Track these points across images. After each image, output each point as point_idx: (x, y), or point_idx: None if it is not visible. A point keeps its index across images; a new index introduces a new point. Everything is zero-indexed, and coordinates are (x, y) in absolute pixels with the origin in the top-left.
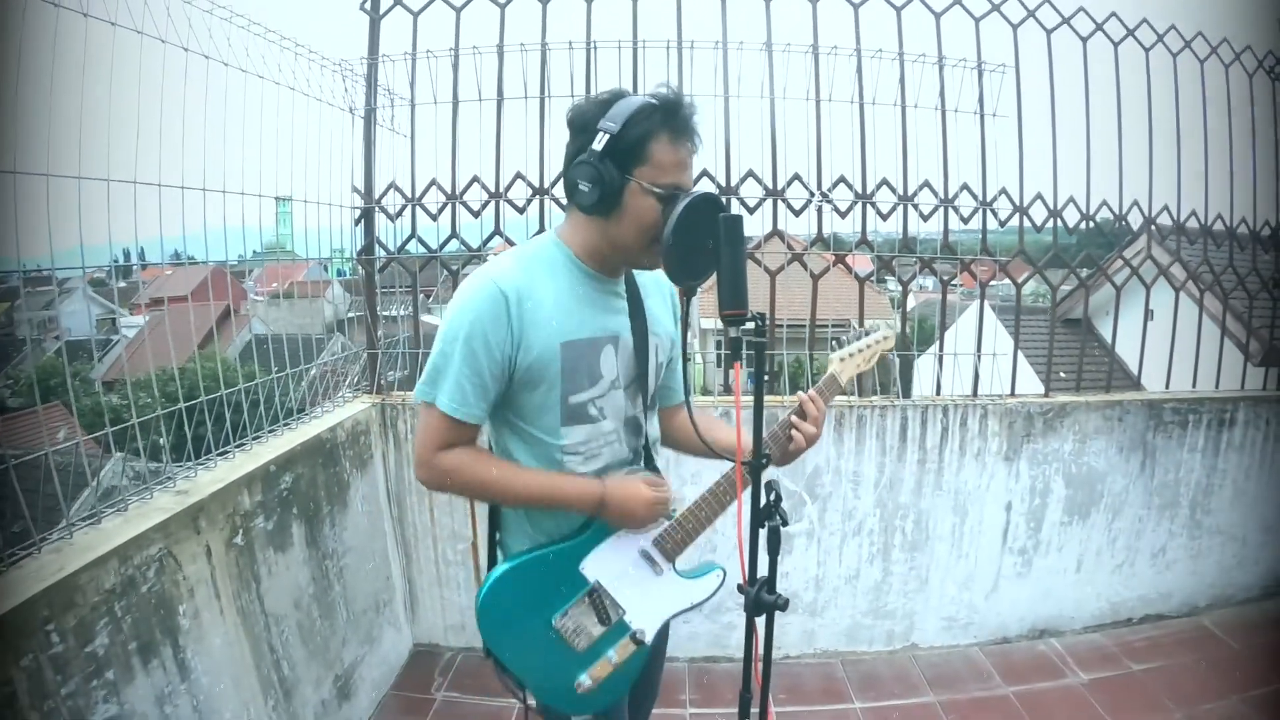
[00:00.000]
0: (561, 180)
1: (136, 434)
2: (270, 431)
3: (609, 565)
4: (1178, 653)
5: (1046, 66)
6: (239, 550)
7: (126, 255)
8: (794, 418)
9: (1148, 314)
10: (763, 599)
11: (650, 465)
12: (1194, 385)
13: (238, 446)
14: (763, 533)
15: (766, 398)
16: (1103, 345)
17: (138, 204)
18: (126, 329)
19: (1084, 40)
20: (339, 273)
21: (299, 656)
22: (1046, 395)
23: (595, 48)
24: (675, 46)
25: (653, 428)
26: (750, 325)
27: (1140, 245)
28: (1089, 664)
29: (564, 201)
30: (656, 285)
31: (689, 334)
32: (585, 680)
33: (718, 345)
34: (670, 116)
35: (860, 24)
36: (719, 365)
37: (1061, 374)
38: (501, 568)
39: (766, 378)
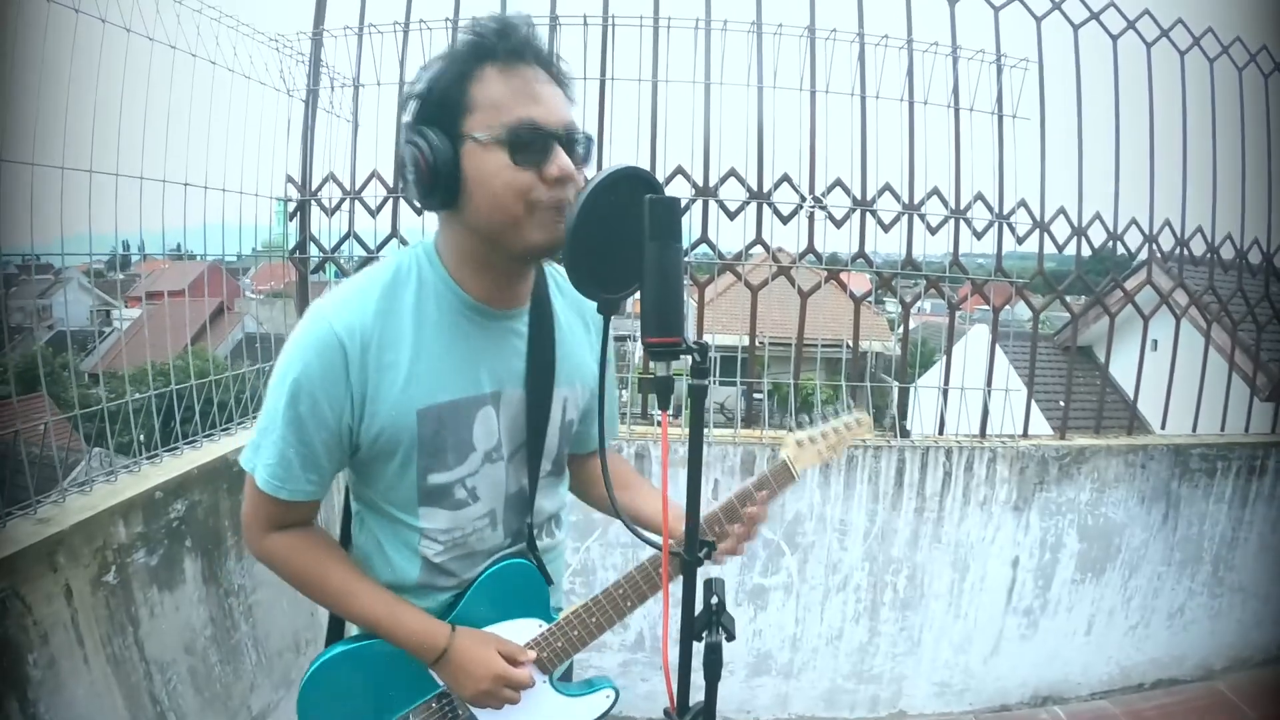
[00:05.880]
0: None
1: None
2: (169, 451)
3: None
4: None
5: (1073, 65)
6: (110, 589)
7: (126, 247)
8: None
9: (1148, 344)
10: None
11: (532, 547)
12: (1195, 425)
13: (124, 468)
14: (698, 648)
15: (741, 434)
16: (1112, 383)
17: (114, 197)
18: (120, 321)
19: (1114, 39)
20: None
21: (191, 707)
22: (1063, 438)
23: (559, 24)
24: (650, 24)
25: (550, 501)
26: (687, 359)
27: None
28: None
29: None
30: (578, 311)
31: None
32: None
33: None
34: (489, 43)
35: (864, 4)
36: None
37: (1060, 403)
38: (337, 648)
39: (760, 396)
